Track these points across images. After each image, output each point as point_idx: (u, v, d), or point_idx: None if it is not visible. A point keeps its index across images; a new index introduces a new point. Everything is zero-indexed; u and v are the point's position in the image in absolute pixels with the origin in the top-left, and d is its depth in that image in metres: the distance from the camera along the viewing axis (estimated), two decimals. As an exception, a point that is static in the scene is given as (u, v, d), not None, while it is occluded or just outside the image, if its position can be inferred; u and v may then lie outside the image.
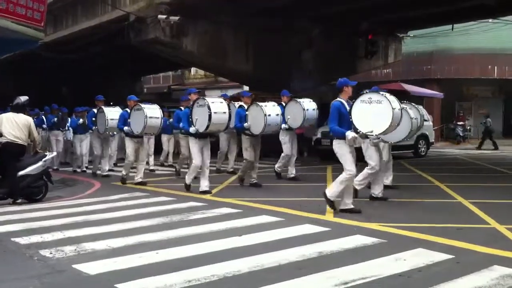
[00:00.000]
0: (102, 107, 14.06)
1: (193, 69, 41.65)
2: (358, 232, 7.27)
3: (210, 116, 10.50)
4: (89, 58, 28.65)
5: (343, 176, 8.68)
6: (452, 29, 24.67)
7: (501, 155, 21.28)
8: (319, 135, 18.48)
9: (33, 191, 10.51)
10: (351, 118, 8.46)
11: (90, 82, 33.13)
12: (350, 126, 8.48)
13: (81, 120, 15.67)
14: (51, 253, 6.26)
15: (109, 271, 5.56)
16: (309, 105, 12.95)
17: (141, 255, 6.14)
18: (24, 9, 12.93)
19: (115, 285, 5.08)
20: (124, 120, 12.73)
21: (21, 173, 10.17)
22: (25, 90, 14.55)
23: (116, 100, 17.32)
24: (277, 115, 11.86)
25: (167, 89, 43.17)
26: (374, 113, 8.39)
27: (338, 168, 14.37)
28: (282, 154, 13.28)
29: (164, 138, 16.84)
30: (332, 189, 8.82)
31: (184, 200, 10.37)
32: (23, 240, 6.97)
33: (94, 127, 14.43)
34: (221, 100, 11.43)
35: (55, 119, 16.62)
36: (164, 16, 18.00)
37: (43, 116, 18.00)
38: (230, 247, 6.54)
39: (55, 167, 16.23)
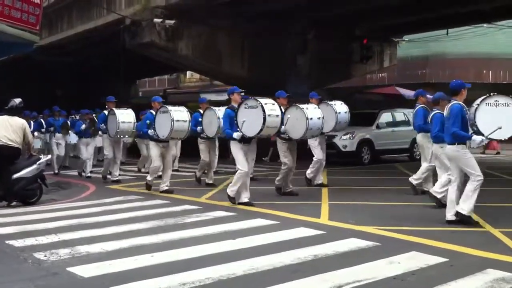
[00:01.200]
0: (114, 109, 13.35)
1: (188, 73, 41.65)
2: (353, 236, 7.28)
3: (264, 119, 9.44)
4: (84, 62, 28.65)
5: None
6: (447, 33, 24.77)
7: (495, 159, 21.33)
8: None
9: (27, 194, 10.48)
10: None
11: (85, 86, 33.14)
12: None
13: (83, 126, 15.14)
14: (45, 256, 6.25)
15: (103, 274, 5.55)
16: (341, 108, 12.43)
17: (135, 258, 6.13)
18: (20, 13, 12.94)
19: (110, 288, 5.08)
20: (147, 123, 11.90)
21: (15, 176, 10.15)
22: (19, 93, 14.17)
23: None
24: (319, 118, 10.98)
25: (163, 93, 43.10)
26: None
27: (335, 172, 14.44)
28: (314, 159, 12.48)
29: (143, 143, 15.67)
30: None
31: (178, 203, 10.37)
32: (17, 243, 6.95)
33: (102, 128, 13.78)
34: (273, 101, 10.21)
35: (83, 126, 15.21)
36: (159, 20, 18.02)
37: (41, 119, 17.83)
38: (225, 250, 6.54)
39: (55, 171, 16.10)
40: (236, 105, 10.09)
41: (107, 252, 6.50)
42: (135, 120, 13.17)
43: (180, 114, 11.37)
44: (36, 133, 16.35)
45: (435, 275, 5.45)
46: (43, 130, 17.15)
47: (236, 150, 9.92)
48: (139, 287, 5.10)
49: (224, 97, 25.36)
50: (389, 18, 21.43)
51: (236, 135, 9.75)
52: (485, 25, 25.26)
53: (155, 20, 18.02)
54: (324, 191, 11.71)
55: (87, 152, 15.37)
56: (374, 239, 7.03)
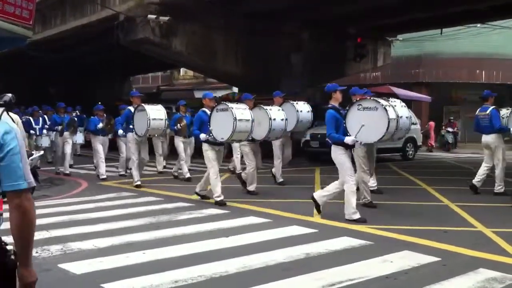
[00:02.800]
0: (143, 104, 12.03)
1: (182, 70, 41.58)
2: (346, 234, 7.29)
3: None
4: (77, 58, 28.51)
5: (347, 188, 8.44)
6: (441, 33, 24.81)
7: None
8: (308, 137, 18.49)
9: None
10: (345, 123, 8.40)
11: (78, 82, 33.02)
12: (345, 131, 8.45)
13: (100, 125, 14.08)
14: (37, 252, 6.22)
15: (95, 271, 5.53)
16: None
17: (128, 255, 6.12)
18: (13, 7, 12.84)
19: (101, 285, 5.06)
20: (200, 122, 10.22)
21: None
22: (12, 89, 13.83)
23: (104, 100, 17.16)
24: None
25: (156, 90, 43.06)
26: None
27: (327, 170, 14.44)
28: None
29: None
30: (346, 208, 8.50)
31: (171, 200, 10.36)
32: (9, 239, 6.89)
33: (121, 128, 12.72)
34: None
35: (100, 124, 14.17)
36: (153, 16, 17.94)
37: (45, 116, 17.05)
38: (218, 248, 6.54)
39: (67, 172, 14.84)
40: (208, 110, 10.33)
41: (99, 249, 6.49)
42: (166, 117, 12.18)
43: (243, 113, 10.09)
44: (44, 131, 16.00)
45: (428, 274, 5.46)
46: (46, 127, 16.22)
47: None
48: (131, 284, 5.09)
49: (218, 94, 25.36)
50: (383, 18, 21.42)
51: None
52: (478, 25, 25.32)
53: (149, 16, 17.95)
54: (317, 190, 11.70)
55: (103, 152, 14.23)
56: (367, 238, 7.04)
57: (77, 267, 5.64)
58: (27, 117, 16.92)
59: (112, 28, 19.37)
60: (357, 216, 8.21)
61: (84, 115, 17.79)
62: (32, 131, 16.21)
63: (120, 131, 12.75)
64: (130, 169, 12.93)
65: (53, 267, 5.68)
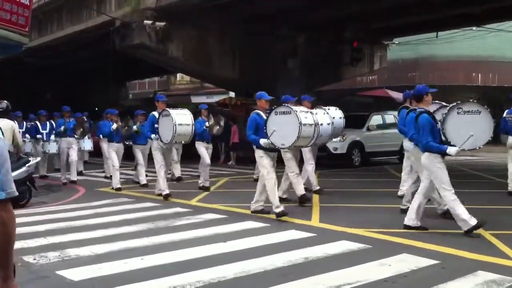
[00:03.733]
0: (168, 109, 11.21)
1: (178, 75, 41.61)
2: (344, 238, 7.28)
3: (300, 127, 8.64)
4: (74, 64, 28.54)
5: None
6: (437, 36, 24.89)
7: (486, 161, 21.43)
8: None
9: (16, 197, 10.38)
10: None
11: (74, 87, 33.02)
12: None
13: (114, 125, 13.13)
14: (34, 259, 6.20)
15: (93, 277, 5.51)
16: (335, 113, 11.63)
17: (125, 261, 6.09)
18: (9, 14, 12.84)
19: (99, 291, 5.05)
20: (256, 126, 9.06)
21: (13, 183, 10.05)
22: (7, 94, 13.51)
23: (101, 106, 17.11)
24: (328, 124, 10.42)
25: (153, 95, 43.03)
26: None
27: (325, 174, 14.45)
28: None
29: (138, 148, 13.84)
30: None
31: (169, 206, 10.33)
32: None
33: (153, 136, 11.40)
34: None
35: (114, 125, 13.20)
36: (149, 22, 17.97)
37: (52, 122, 16.22)
38: (215, 253, 6.52)
39: (74, 179, 14.27)
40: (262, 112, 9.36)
41: (97, 255, 6.46)
42: (193, 122, 11.33)
43: (306, 116, 9.37)
44: (52, 136, 15.31)
45: (426, 277, 5.45)
46: (54, 132, 15.44)
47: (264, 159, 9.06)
48: (129, 290, 5.07)
49: (214, 99, 25.39)
50: (379, 21, 21.51)
51: (263, 142, 8.83)
52: (474, 28, 25.41)
53: (145, 22, 17.98)
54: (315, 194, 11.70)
55: (117, 160, 13.20)
56: (365, 242, 7.03)
57: (75, 274, 5.61)
58: (34, 122, 16.29)
59: (108, 34, 19.39)
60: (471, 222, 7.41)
61: (91, 120, 17.47)
62: (39, 136, 15.66)
63: (153, 135, 11.33)
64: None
65: (50, 274, 5.66)
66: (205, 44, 20.19)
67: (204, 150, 12.83)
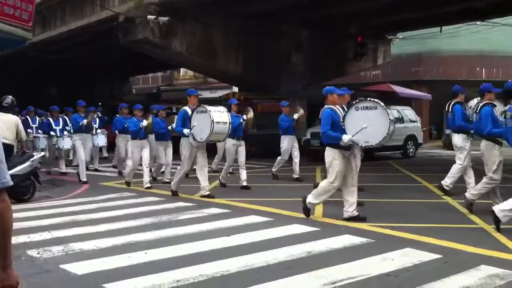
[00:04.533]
0: (204, 105, 10.46)
1: (182, 70, 41.57)
2: (347, 232, 7.29)
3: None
4: (77, 59, 28.51)
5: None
6: (441, 31, 24.82)
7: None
8: (308, 136, 18.49)
9: (20, 191, 10.43)
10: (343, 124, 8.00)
11: (78, 83, 33.03)
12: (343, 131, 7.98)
13: (145, 122, 12.17)
14: (38, 253, 6.23)
15: (97, 271, 5.53)
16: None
17: (129, 255, 6.12)
18: (12, 9, 12.85)
19: (103, 285, 5.06)
20: (332, 122, 8.17)
21: (8, 173, 10.09)
22: (10, 90, 13.35)
23: (104, 100, 17.09)
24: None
25: (156, 90, 43.06)
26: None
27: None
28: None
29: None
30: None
31: (172, 200, 10.36)
32: (10, 240, 6.90)
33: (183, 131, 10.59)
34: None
35: (144, 122, 12.24)
36: (153, 17, 17.95)
37: (65, 117, 16.09)
38: (219, 247, 6.53)
39: (84, 179, 13.33)
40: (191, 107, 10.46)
41: (101, 249, 6.49)
42: (230, 120, 10.53)
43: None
44: (66, 132, 15.08)
45: (429, 272, 5.46)
46: (67, 128, 15.08)
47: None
48: (132, 284, 5.09)
49: (218, 94, 25.39)
50: (383, 16, 21.44)
51: (346, 138, 7.94)
52: (478, 22, 25.32)
53: (149, 17, 17.96)
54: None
55: (148, 157, 12.48)
56: (368, 236, 7.04)
57: (79, 268, 5.64)
58: (46, 118, 16.18)
59: (111, 29, 19.39)
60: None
61: (105, 116, 17.29)
62: (52, 133, 15.37)
63: (186, 130, 10.44)
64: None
65: (54, 267, 5.69)
66: (208, 39, 20.18)
67: (234, 149, 12.10)
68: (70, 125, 14.89)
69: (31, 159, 10.66)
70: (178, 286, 5.04)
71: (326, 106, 8.24)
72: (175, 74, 44.11)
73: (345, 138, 7.86)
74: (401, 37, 27.33)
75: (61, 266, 5.72)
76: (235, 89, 26.83)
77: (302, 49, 22.10)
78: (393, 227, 7.58)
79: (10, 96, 10.86)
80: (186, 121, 10.54)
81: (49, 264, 5.84)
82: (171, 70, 42.21)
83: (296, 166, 13.46)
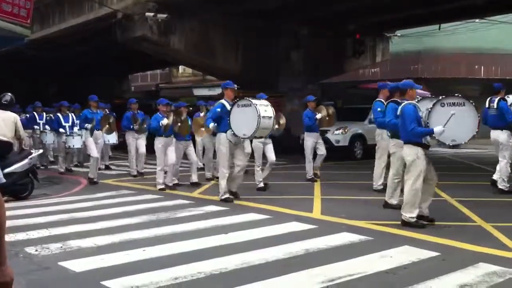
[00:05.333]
0: (248, 98, 9.71)
1: (181, 67, 41.53)
2: (345, 230, 7.29)
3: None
4: (75, 56, 28.49)
5: None
6: (439, 29, 24.81)
7: (488, 154, 21.39)
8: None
9: (19, 189, 10.42)
10: None
11: (76, 80, 32.99)
12: None
13: (165, 120, 11.26)
14: (36, 251, 6.22)
15: (95, 269, 5.53)
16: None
17: (127, 253, 6.11)
18: (10, 6, 12.84)
19: (101, 283, 5.06)
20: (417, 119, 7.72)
21: (6, 170, 10.09)
22: (9, 88, 13.15)
23: (103, 98, 16.98)
24: None
25: (155, 87, 43.05)
26: None
27: (325, 166, 14.44)
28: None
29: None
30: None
31: (171, 198, 10.35)
32: (8, 237, 6.86)
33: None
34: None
35: (165, 120, 11.29)
36: (151, 14, 17.94)
37: (72, 114, 15.37)
38: (217, 244, 6.53)
39: (94, 179, 12.72)
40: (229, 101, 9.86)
41: (99, 246, 6.48)
42: (274, 115, 9.95)
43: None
44: (76, 129, 14.61)
45: (427, 269, 5.46)
46: (86, 126, 13.95)
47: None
48: (130, 281, 5.08)
49: (217, 92, 25.40)
50: (382, 14, 21.44)
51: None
52: (477, 20, 25.32)
53: (147, 14, 17.95)
54: (317, 186, 11.72)
55: (177, 158, 11.84)
56: (366, 233, 7.05)
57: (77, 265, 5.63)
58: (56, 114, 15.66)
59: (110, 26, 19.38)
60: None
61: (113, 112, 16.64)
62: (61, 130, 14.88)
63: (212, 124, 9.89)
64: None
65: (52, 265, 5.68)
66: (207, 37, 20.17)
67: (262, 147, 11.47)
68: (76, 122, 14.67)
69: (29, 157, 10.64)
70: (176, 284, 5.04)
71: (407, 101, 7.76)
72: (174, 72, 44.07)
73: (438, 129, 7.30)
74: (399, 34, 27.33)
75: (60, 263, 5.71)
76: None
77: (301, 47, 22.10)
78: (391, 225, 7.58)
79: (9, 93, 10.84)
80: (223, 115, 9.71)
81: (47, 261, 5.83)
82: (170, 68, 42.18)
83: (318, 162, 12.90)
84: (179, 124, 11.54)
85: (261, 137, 10.42)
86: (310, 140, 12.68)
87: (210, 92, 32.66)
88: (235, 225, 7.74)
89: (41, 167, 15.63)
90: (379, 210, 8.97)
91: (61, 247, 6.43)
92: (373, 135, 18.27)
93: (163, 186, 11.43)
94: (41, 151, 13.09)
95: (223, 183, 9.77)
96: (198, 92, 36.75)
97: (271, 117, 9.59)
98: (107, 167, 15.88)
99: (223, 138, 9.73)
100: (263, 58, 20.62)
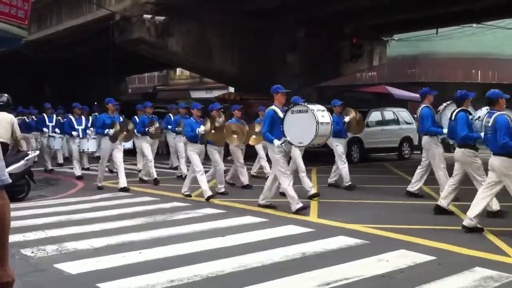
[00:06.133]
0: (304, 104, 9.09)
1: (178, 70, 41.56)
2: (342, 233, 7.29)
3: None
4: (73, 58, 28.47)
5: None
6: (437, 33, 24.87)
7: (484, 158, 21.46)
8: None
9: (15, 190, 10.39)
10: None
11: (73, 82, 32.96)
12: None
13: (202, 128, 10.33)
14: (32, 252, 6.21)
15: (91, 271, 5.52)
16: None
17: (124, 255, 6.10)
18: (8, 7, 12.82)
19: (97, 285, 5.05)
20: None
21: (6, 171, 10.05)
22: (6, 89, 12.90)
23: (100, 100, 16.93)
24: None
25: (152, 89, 43.05)
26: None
27: (324, 170, 14.46)
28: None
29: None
30: None
31: (167, 200, 10.33)
32: None
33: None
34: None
35: (202, 128, 10.35)
36: (149, 16, 17.95)
37: (82, 117, 14.51)
38: (214, 247, 6.53)
39: (99, 185, 12.06)
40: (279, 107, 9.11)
41: (95, 248, 6.47)
42: (332, 120, 9.24)
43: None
44: (88, 131, 14.04)
45: (424, 273, 5.47)
46: (90, 128, 14.09)
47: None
48: (126, 284, 5.08)
49: (214, 94, 25.38)
50: (379, 17, 21.48)
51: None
52: (474, 25, 25.39)
53: (145, 16, 17.96)
54: (314, 189, 11.68)
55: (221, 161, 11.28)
56: (363, 237, 7.05)
57: (73, 267, 5.62)
58: (68, 116, 14.93)
59: (108, 28, 19.38)
60: None
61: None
62: (74, 133, 13.93)
63: (277, 142, 8.83)
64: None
65: (48, 267, 5.67)
66: (205, 39, 20.17)
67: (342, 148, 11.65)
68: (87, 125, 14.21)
69: (25, 158, 10.62)
70: (172, 286, 5.03)
71: (499, 112, 7.51)
72: (171, 74, 44.09)
73: None
74: (397, 38, 27.38)
75: (55, 265, 5.70)
76: (231, 89, 26.85)
77: (297, 49, 22.11)
78: (388, 229, 7.58)
79: (6, 95, 10.81)
80: (275, 123, 8.94)
81: (43, 263, 5.82)
82: (167, 70, 42.19)
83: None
84: (213, 131, 10.58)
85: (319, 145, 9.65)
86: (340, 146, 12.01)
87: (207, 94, 32.69)
88: (232, 228, 7.73)
89: (48, 170, 15.30)
90: (375, 213, 8.97)
91: (57, 249, 6.42)
92: (370, 139, 18.57)
93: (211, 193, 10.32)
94: (37, 152, 13.00)
95: (291, 192, 8.86)
96: (195, 94, 36.79)
97: (328, 122, 8.91)
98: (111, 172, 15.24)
99: (277, 147, 8.84)
100: (259, 60, 20.64)
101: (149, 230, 7.48)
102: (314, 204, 9.78)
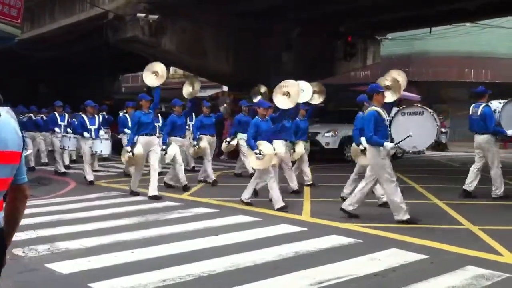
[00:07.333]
0: (418, 105, 8.75)
1: (172, 68, 41.42)
2: (334, 232, 7.29)
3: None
4: (67, 56, 28.36)
5: None
6: (430, 32, 24.91)
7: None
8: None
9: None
10: None
11: (67, 81, 32.86)
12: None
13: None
14: (23, 252, 6.18)
15: (82, 271, 5.50)
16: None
17: (115, 255, 6.08)
18: (1, 5, 12.78)
19: (89, 285, 5.03)
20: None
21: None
22: (7, 88, 12.47)
23: (94, 99, 16.83)
24: None
25: (146, 88, 42.92)
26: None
27: (317, 169, 14.46)
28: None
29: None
30: None
31: (160, 199, 10.30)
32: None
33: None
34: None
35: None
36: (143, 15, 17.90)
37: (98, 115, 13.94)
38: (206, 246, 6.52)
39: (134, 190, 11.10)
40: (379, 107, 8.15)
41: (87, 248, 6.45)
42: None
43: None
44: (102, 132, 13.38)
45: (416, 272, 5.47)
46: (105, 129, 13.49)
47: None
48: (118, 283, 5.06)
49: (208, 93, 25.37)
50: (373, 16, 21.50)
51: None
52: (467, 24, 25.44)
53: (139, 15, 17.90)
54: (306, 188, 11.71)
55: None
56: (356, 236, 7.05)
57: (64, 267, 5.60)
58: (81, 115, 13.45)
59: (101, 27, 19.32)
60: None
61: (111, 116, 16.06)
62: (86, 134, 12.80)
63: (389, 144, 7.96)
64: None
65: (40, 267, 5.65)
66: (199, 38, 20.13)
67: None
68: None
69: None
70: (164, 286, 5.02)
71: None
72: (165, 73, 43.97)
73: None
74: (390, 37, 27.41)
75: (47, 265, 5.68)
76: (225, 88, 26.82)
77: (292, 48, 22.10)
78: (380, 227, 7.59)
79: (-3, 92, 10.72)
80: (378, 125, 8.05)
81: (35, 263, 5.79)
82: (161, 69, 42.06)
83: None
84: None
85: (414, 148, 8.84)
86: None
87: (201, 93, 32.56)
88: (224, 227, 7.72)
89: (60, 173, 14.60)
90: (368, 212, 8.97)
91: (49, 248, 6.39)
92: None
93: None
94: (30, 151, 12.88)
95: (398, 200, 7.97)
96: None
97: (439, 125, 8.37)
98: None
99: (383, 151, 7.99)
100: (254, 59, 20.61)
101: (141, 230, 7.46)
102: (306, 203, 9.80)
